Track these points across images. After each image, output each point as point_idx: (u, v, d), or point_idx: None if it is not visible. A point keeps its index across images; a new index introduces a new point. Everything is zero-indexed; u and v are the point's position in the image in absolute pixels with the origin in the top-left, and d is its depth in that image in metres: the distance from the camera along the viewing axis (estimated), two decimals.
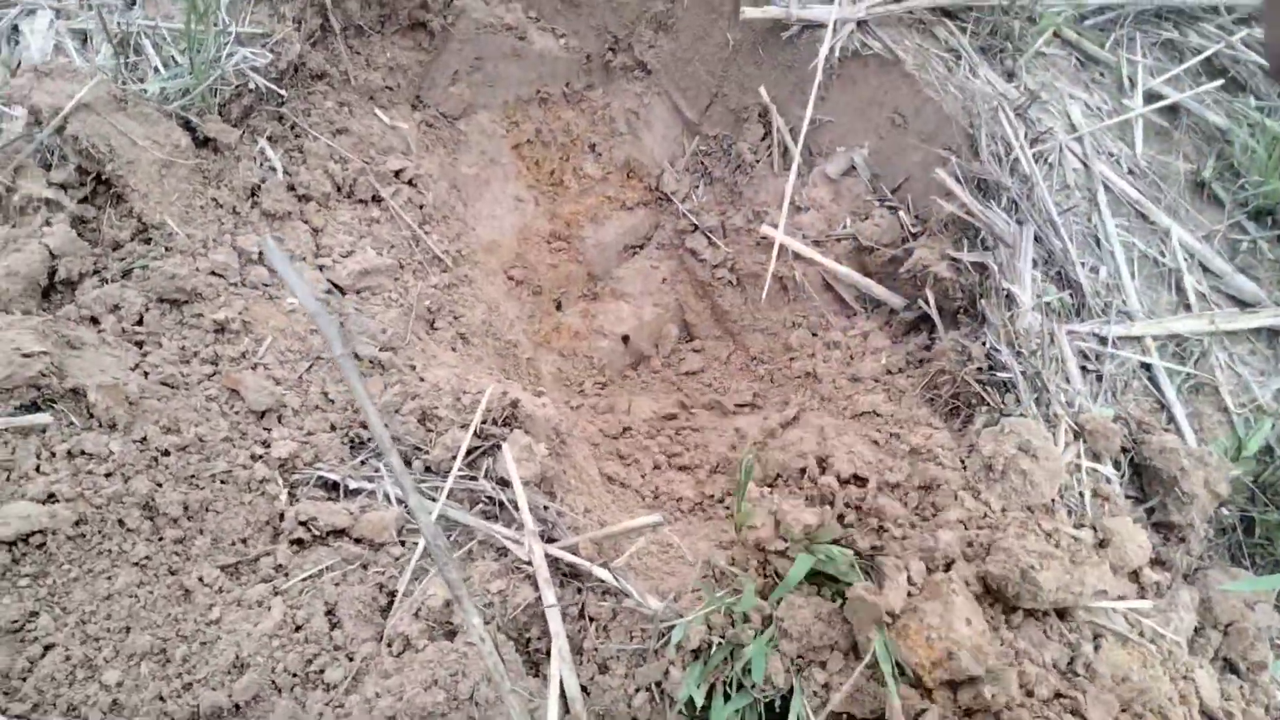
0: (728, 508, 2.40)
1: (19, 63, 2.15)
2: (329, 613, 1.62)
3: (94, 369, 1.70)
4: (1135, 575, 1.86)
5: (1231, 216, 2.72)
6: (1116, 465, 2.04)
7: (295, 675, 1.54)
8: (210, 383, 1.84)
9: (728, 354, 3.06)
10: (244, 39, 2.29)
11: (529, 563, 1.73)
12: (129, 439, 1.66)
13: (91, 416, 1.66)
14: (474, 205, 3.01)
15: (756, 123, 3.10)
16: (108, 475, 1.60)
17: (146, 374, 1.78)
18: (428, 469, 1.87)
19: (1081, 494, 1.96)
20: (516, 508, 1.81)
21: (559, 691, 1.56)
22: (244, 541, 1.68)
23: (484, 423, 1.94)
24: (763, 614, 1.64)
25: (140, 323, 1.88)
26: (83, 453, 1.61)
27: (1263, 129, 2.77)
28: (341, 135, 2.53)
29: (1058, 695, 1.55)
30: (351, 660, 1.56)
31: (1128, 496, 2.05)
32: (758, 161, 3.08)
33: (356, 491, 1.82)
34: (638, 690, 1.59)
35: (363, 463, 1.86)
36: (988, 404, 2.14)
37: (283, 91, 2.37)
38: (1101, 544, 1.83)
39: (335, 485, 1.81)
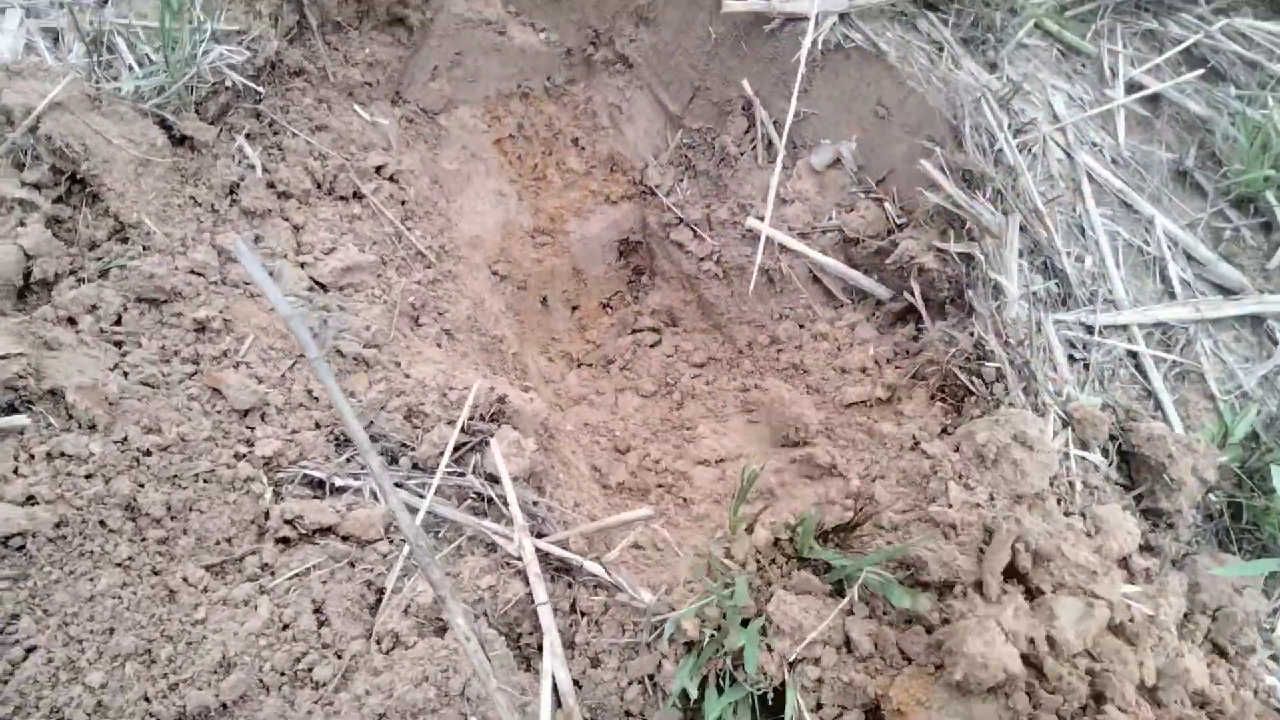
0: (717, 502, 2.40)
1: None
2: (317, 611, 1.60)
3: (72, 370, 1.67)
4: (1125, 562, 1.87)
5: (1214, 205, 2.74)
6: (1105, 453, 2.05)
7: (283, 674, 1.52)
8: (191, 382, 1.82)
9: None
10: (220, 36, 2.25)
11: (519, 558, 1.72)
12: (109, 440, 1.64)
13: (70, 418, 1.63)
14: (456, 201, 2.99)
15: (740, 115, 3.09)
16: (88, 476, 1.58)
17: (126, 374, 1.76)
18: (415, 466, 1.86)
19: (1070, 482, 1.96)
20: (506, 503, 1.80)
21: (551, 687, 1.55)
22: (229, 541, 1.66)
23: (471, 418, 1.92)
24: (755, 606, 1.63)
25: (119, 322, 1.85)
26: (62, 454, 1.58)
27: (1243, 118, 2.79)
28: (321, 132, 2.50)
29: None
30: (340, 658, 1.54)
31: (1116, 484, 2.06)
32: (741, 154, 3.07)
33: (343, 489, 1.80)
34: (630, 683, 1.58)
35: (349, 460, 1.83)
36: (975, 394, 2.14)
37: (260, 89, 2.34)
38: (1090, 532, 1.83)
39: (321, 483, 1.79)
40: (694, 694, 1.50)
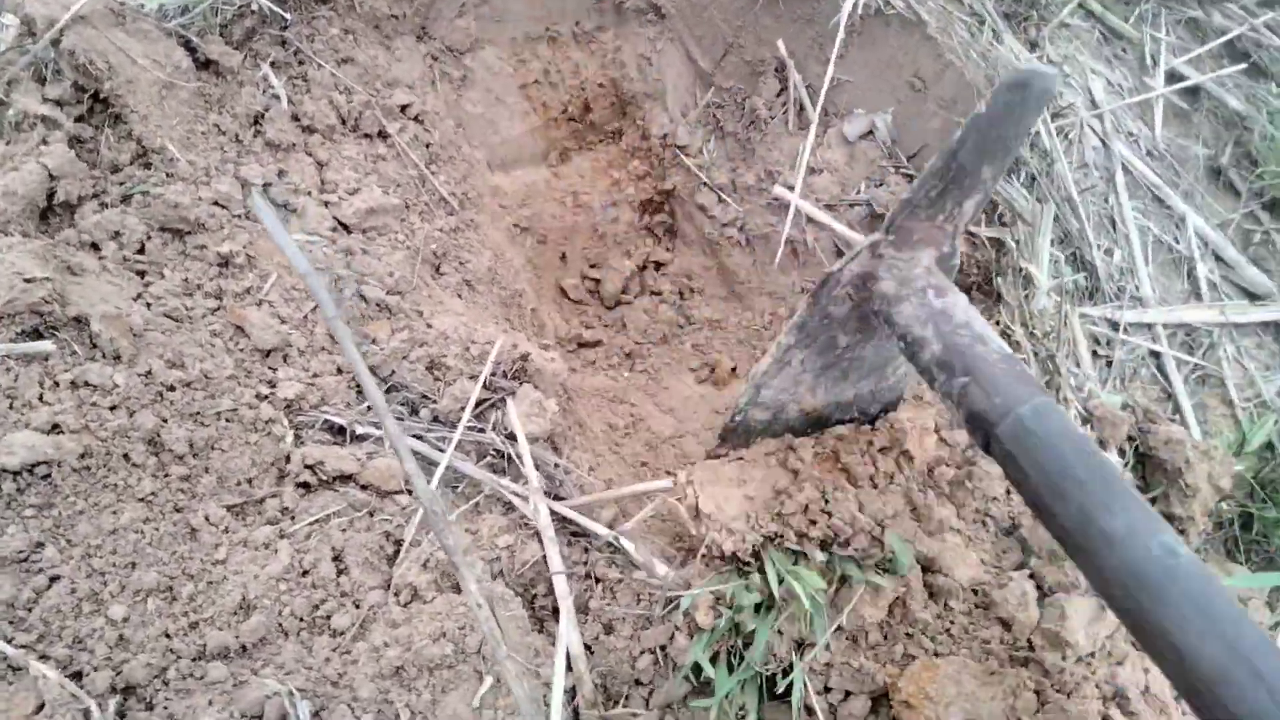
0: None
1: None
2: (336, 558, 1.60)
3: (96, 297, 1.64)
4: None
5: (1246, 206, 2.71)
6: (1121, 454, 2.06)
7: (302, 620, 1.53)
8: (214, 317, 1.79)
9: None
10: None
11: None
12: (133, 372, 1.61)
13: (95, 347, 1.61)
14: (479, 146, 2.93)
15: (773, 77, 3.02)
16: (112, 408, 1.56)
17: (149, 305, 1.73)
18: (435, 419, 1.85)
19: None
20: (523, 463, 1.79)
21: (565, 656, 1.56)
22: (250, 482, 1.65)
23: (493, 374, 1.91)
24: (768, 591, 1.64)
25: (142, 251, 1.81)
26: (86, 384, 1.56)
27: None
28: (347, 65, 2.43)
29: None
30: (359, 608, 1.55)
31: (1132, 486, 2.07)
32: (772, 118, 3.01)
33: (363, 437, 1.79)
34: (642, 652, 1.59)
35: (369, 409, 1.82)
36: None
37: (286, 15, 2.27)
38: None
39: (342, 430, 1.78)
40: (708, 670, 1.52)
